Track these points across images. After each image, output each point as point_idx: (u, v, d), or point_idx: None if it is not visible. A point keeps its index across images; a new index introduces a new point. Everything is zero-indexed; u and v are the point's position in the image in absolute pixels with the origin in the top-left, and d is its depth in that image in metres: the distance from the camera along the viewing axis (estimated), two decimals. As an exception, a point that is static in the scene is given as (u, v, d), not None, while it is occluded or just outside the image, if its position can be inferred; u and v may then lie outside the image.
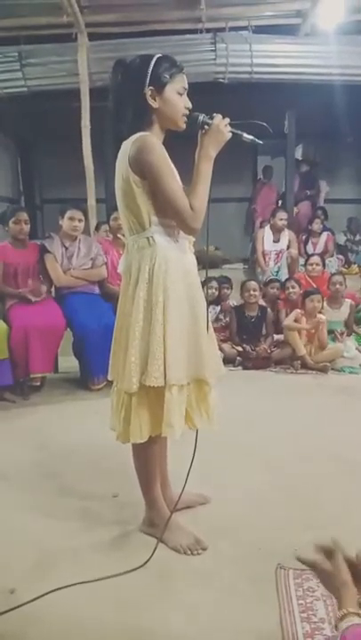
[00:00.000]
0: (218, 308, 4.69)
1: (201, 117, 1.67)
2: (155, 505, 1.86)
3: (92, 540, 1.85)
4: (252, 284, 4.56)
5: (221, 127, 1.65)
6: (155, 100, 1.64)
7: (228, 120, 1.67)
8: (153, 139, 1.62)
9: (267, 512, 2.01)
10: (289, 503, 2.07)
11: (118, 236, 3.96)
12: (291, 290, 4.60)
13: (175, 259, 1.68)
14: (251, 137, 1.71)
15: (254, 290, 4.49)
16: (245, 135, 1.71)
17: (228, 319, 4.60)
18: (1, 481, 2.31)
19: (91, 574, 1.63)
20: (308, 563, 1.25)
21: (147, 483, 1.85)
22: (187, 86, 1.69)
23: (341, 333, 4.51)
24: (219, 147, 1.67)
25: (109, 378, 1.85)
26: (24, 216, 3.66)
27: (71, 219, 3.70)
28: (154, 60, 1.64)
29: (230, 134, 1.67)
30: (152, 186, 1.61)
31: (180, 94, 1.67)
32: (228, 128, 1.67)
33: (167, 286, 1.64)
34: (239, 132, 1.70)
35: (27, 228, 3.66)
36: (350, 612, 1.10)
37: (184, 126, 1.69)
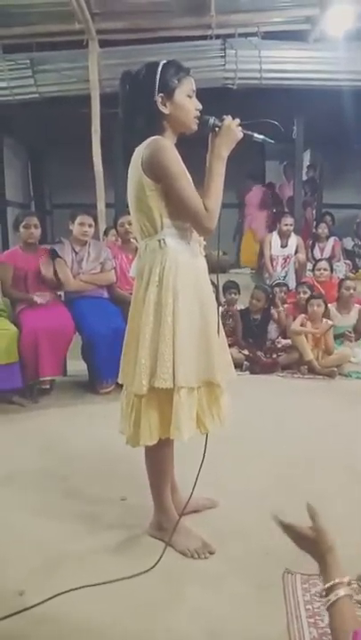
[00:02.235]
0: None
1: (212, 120, 1.69)
2: (164, 509, 1.87)
3: (99, 543, 1.86)
4: (258, 293, 4.58)
5: (233, 127, 1.67)
6: (165, 106, 1.67)
7: (238, 120, 1.69)
8: (165, 141, 1.65)
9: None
10: (297, 508, 2.04)
11: (131, 240, 3.98)
12: (302, 295, 4.60)
13: (186, 262, 1.70)
14: (262, 136, 1.73)
15: (258, 300, 4.54)
16: (256, 135, 1.72)
17: (233, 324, 4.60)
18: (9, 483, 2.33)
19: (98, 577, 1.64)
20: (286, 525, 1.21)
21: (157, 486, 1.86)
22: (195, 88, 1.71)
23: (350, 332, 4.50)
24: (231, 147, 1.69)
25: (120, 381, 1.86)
26: (34, 220, 3.70)
27: (81, 224, 3.74)
28: (160, 66, 1.67)
29: (242, 134, 1.69)
30: (165, 188, 1.63)
31: (190, 97, 1.70)
32: (239, 128, 1.68)
33: (177, 289, 1.66)
34: (250, 132, 1.71)
35: (37, 232, 3.70)
36: (338, 583, 1.07)
37: (196, 128, 1.71)
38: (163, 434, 1.71)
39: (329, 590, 1.09)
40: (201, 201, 1.64)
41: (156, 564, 1.70)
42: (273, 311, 4.60)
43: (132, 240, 3.98)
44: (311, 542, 1.17)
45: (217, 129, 1.69)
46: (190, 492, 1.82)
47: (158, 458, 1.81)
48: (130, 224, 3.89)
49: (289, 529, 1.22)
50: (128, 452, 1.87)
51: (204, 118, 1.70)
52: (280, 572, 1.66)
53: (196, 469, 1.80)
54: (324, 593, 1.11)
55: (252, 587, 1.62)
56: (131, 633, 1.45)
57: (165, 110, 1.67)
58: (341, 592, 1.07)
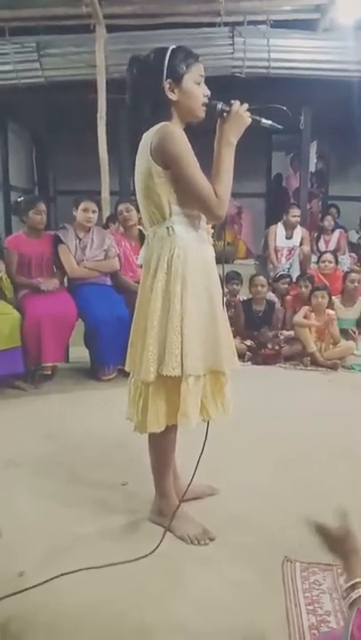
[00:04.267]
0: None
1: (219, 105, 1.67)
2: (165, 494, 1.87)
3: (101, 528, 1.87)
4: (260, 279, 4.57)
5: (241, 112, 1.65)
6: (173, 92, 1.64)
7: (246, 105, 1.67)
8: (175, 127, 1.63)
9: (275, 505, 2.02)
10: (297, 497, 2.08)
11: (133, 227, 3.97)
12: (303, 289, 4.59)
13: (194, 249, 1.69)
14: (269, 122, 1.71)
15: (262, 285, 4.51)
16: (264, 120, 1.70)
17: (236, 314, 4.59)
18: (12, 467, 2.34)
19: (99, 561, 1.65)
20: (317, 526, 1.25)
21: (160, 472, 1.86)
22: (203, 74, 1.69)
23: (354, 332, 4.50)
24: (239, 133, 1.67)
25: (127, 369, 1.85)
26: (43, 206, 3.70)
27: (85, 210, 3.73)
28: (169, 52, 1.64)
29: (250, 120, 1.67)
30: (175, 175, 1.62)
31: (198, 83, 1.67)
32: (248, 114, 1.66)
33: (185, 276, 1.65)
34: (258, 117, 1.70)
35: (45, 218, 3.70)
36: (360, 582, 1.09)
37: (203, 115, 1.69)
38: (169, 420, 1.72)
39: (351, 588, 1.11)
40: (211, 188, 1.62)
41: (155, 548, 1.71)
42: (277, 306, 4.62)
43: (134, 227, 3.97)
44: (338, 541, 1.20)
45: (225, 114, 1.67)
46: (190, 478, 1.83)
47: (163, 444, 1.81)
48: (128, 211, 3.91)
49: (321, 529, 1.24)
50: (129, 437, 1.88)
51: (212, 103, 1.67)
52: (280, 559, 1.67)
53: (196, 457, 1.81)
54: (345, 593, 1.12)
55: (252, 573, 1.63)
56: (129, 616, 1.46)
57: (173, 97, 1.65)
58: None
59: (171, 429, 1.77)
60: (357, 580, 1.11)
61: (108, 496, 2.08)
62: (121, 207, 4.00)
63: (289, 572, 1.64)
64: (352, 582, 1.11)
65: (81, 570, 1.61)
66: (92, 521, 1.92)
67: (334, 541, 1.21)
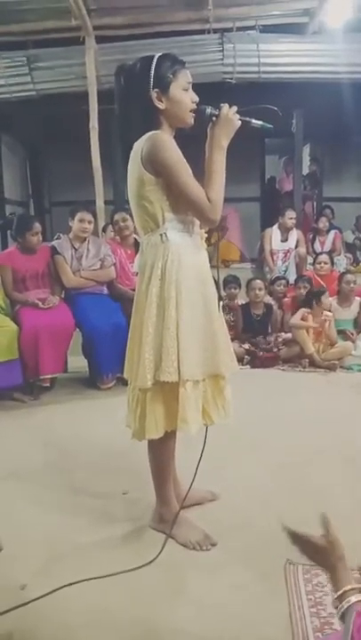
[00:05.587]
0: None
1: (208, 110, 1.68)
2: (166, 501, 1.87)
3: (102, 537, 1.87)
4: (258, 282, 4.59)
5: (230, 115, 1.66)
6: (161, 101, 1.65)
7: (235, 108, 1.67)
8: (165, 136, 1.64)
9: (275, 509, 2.01)
10: (298, 500, 2.07)
11: (129, 236, 3.99)
12: (302, 290, 4.60)
13: (188, 254, 1.70)
14: (260, 122, 1.71)
15: (260, 289, 4.53)
16: (254, 121, 1.71)
17: (234, 318, 4.61)
18: (13, 478, 2.34)
19: (101, 570, 1.65)
20: (297, 536, 1.20)
21: (160, 479, 1.86)
22: (191, 80, 1.69)
23: (352, 333, 4.51)
24: (229, 136, 1.68)
25: (125, 376, 1.86)
26: (39, 227, 3.70)
27: (81, 220, 3.74)
28: (155, 61, 1.65)
29: (240, 122, 1.68)
30: (167, 182, 1.62)
31: (186, 89, 1.68)
32: (237, 116, 1.67)
33: (180, 282, 1.66)
34: (247, 118, 1.70)
35: (41, 236, 3.71)
36: (350, 589, 1.06)
37: (192, 122, 1.69)
38: (168, 426, 1.72)
39: (340, 598, 1.08)
40: (204, 192, 1.63)
41: (157, 556, 1.70)
42: (275, 309, 4.63)
43: (131, 236, 3.99)
44: (322, 551, 1.15)
45: (214, 118, 1.67)
46: (190, 484, 1.83)
47: (162, 450, 1.81)
48: (124, 220, 3.93)
49: (299, 539, 1.20)
50: (129, 446, 1.88)
51: (201, 108, 1.68)
52: (282, 562, 1.67)
53: (196, 463, 1.80)
54: (335, 604, 1.10)
55: (254, 577, 1.63)
56: (133, 624, 1.45)
57: (161, 105, 1.65)
58: (353, 598, 1.06)
59: (170, 436, 1.77)
60: (346, 588, 1.08)
61: (109, 505, 2.08)
62: (117, 217, 4.02)
63: (292, 574, 1.63)
64: (341, 591, 1.07)
65: (83, 580, 1.60)
66: (94, 530, 1.91)
67: (317, 550, 1.17)
